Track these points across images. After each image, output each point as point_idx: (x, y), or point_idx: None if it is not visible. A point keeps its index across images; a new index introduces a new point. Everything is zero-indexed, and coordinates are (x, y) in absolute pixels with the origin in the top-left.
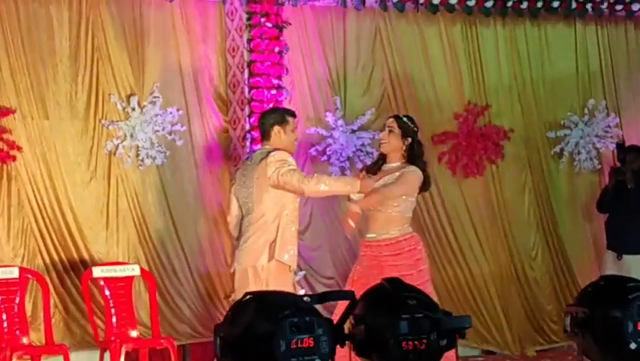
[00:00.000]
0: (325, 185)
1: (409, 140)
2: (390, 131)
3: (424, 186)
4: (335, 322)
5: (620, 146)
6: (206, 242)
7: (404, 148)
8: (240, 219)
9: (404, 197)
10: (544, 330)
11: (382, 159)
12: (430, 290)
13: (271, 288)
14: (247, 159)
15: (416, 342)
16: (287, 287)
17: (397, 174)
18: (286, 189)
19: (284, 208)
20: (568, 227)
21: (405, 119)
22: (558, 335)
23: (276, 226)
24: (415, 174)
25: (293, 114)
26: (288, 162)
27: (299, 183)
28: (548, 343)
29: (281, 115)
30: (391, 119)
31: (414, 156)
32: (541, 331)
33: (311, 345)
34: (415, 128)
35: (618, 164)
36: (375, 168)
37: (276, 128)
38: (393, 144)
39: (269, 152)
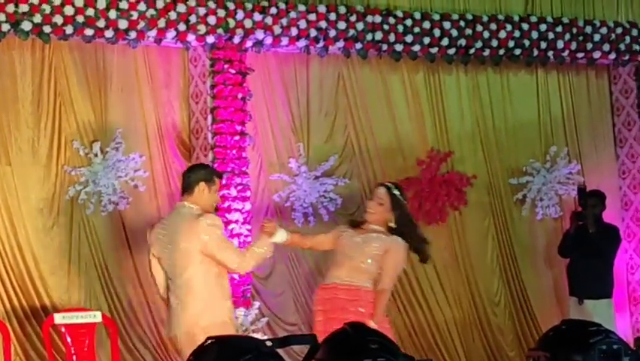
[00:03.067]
0: (255, 260)
1: (397, 213)
2: (379, 203)
3: (422, 258)
4: None
5: (582, 190)
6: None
7: (392, 221)
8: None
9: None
10: None
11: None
12: None
13: None
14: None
15: None
16: None
17: (382, 247)
18: (220, 264)
19: (211, 269)
20: (530, 273)
21: (396, 192)
22: None
23: (209, 287)
24: (401, 248)
25: (220, 176)
26: (221, 232)
27: (235, 266)
28: None
29: (209, 173)
30: (383, 191)
31: (401, 231)
32: None
33: None
34: (405, 201)
35: (579, 208)
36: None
37: (202, 185)
38: (381, 217)
39: (199, 215)
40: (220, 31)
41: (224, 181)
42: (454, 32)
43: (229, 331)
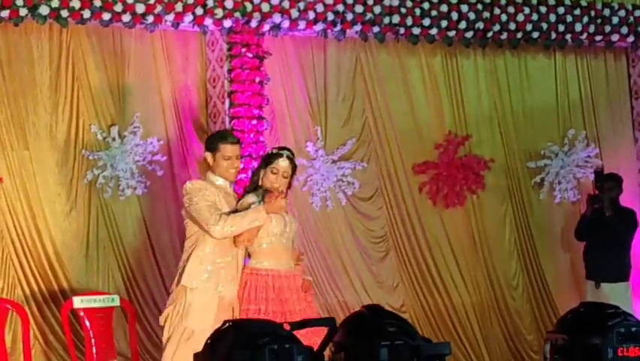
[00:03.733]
0: (232, 226)
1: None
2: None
3: None
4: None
5: (599, 173)
6: None
7: None
8: None
9: None
10: (524, 360)
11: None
12: None
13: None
14: None
15: None
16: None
17: None
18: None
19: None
20: (548, 257)
21: None
22: None
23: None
24: None
25: (225, 139)
26: (197, 195)
27: (207, 225)
28: None
29: (210, 141)
30: None
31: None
32: (521, 360)
33: None
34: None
35: (596, 191)
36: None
37: (206, 154)
38: None
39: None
40: (237, 14)
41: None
42: (472, 15)
43: (198, 296)
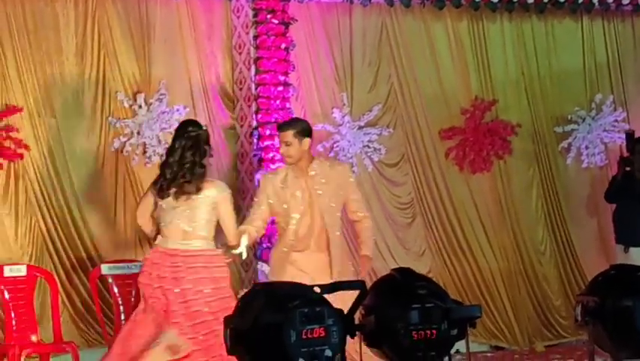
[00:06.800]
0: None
1: None
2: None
3: None
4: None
5: (630, 135)
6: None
7: None
8: None
9: None
10: (552, 325)
11: None
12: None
13: None
14: None
15: (427, 332)
16: None
17: None
18: None
19: None
20: (575, 222)
21: None
22: (567, 330)
23: None
24: None
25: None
26: None
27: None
28: (557, 338)
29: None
30: None
31: None
32: (549, 326)
33: (322, 335)
34: None
35: (627, 154)
36: None
37: (307, 140)
38: None
39: None
40: None
41: (267, 132)
42: None
43: None
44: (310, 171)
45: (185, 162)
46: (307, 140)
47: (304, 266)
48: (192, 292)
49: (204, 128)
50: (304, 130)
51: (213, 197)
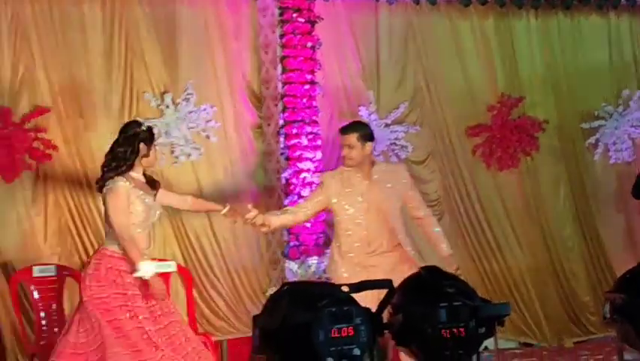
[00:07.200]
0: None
1: None
2: None
3: None
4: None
5: None
6: (241, 237)
7: None
8: None
9: None
10: (581, 322)
11: None
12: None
13: None
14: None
15: (455, 330)
16: None
17: None
18: None
19: None
20: (603, 218)
21: None
22: (596, 327)
23: None
24: None
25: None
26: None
27: None
28: (586, 334)
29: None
30: None
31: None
32: (578, 322)
33: (350, 334)
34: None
35: None
36: None
37: (370, 144)
38: None
39: None
40: None
41: (294, 131)
42: None
43: None
44: (374, 175)
45: (112, 157)
46: (370, 144)
47: (379, 267)
48: None
49: (144, 128)
50: (367, 134)
51: (104, 194)
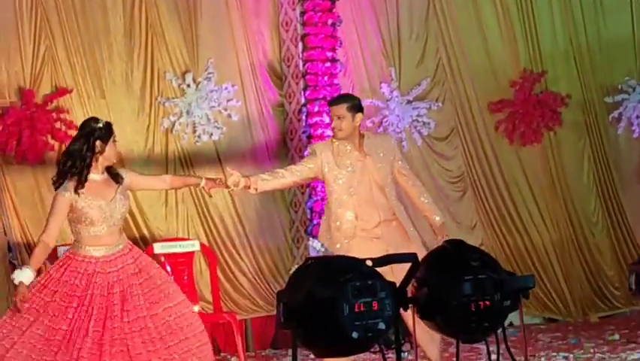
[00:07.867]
0: None
1: None
2: None
3: None
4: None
5: None
6: (265, 216)
7: None
8: None
9: None
10: (606, 296)
11: None
12: None
13: None
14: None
15: (480, 303)
16: None
17: None
18: None
19: None
20: (627, 192)
21: None
22: (620, 301)
23: None
24: None
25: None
26: None
27: None
28: (611, 309)
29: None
30: None
31: None
32: (603, 297)
33: (374, 308)
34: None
35: None
36: None
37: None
38: None
39: None
40: None
41: (316, 108)
42: None
43: None
44: (365, 146)
45: (68, 155)
46: (360, 115)
47: (382, 237)
48: None
49: (100, 125)
50: (356, 105)
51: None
